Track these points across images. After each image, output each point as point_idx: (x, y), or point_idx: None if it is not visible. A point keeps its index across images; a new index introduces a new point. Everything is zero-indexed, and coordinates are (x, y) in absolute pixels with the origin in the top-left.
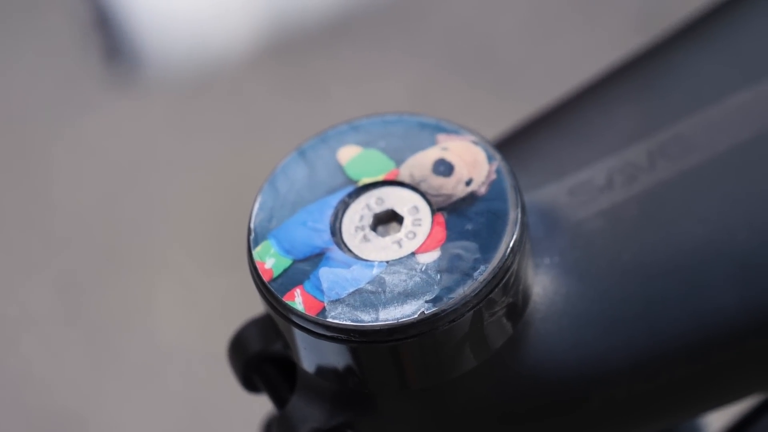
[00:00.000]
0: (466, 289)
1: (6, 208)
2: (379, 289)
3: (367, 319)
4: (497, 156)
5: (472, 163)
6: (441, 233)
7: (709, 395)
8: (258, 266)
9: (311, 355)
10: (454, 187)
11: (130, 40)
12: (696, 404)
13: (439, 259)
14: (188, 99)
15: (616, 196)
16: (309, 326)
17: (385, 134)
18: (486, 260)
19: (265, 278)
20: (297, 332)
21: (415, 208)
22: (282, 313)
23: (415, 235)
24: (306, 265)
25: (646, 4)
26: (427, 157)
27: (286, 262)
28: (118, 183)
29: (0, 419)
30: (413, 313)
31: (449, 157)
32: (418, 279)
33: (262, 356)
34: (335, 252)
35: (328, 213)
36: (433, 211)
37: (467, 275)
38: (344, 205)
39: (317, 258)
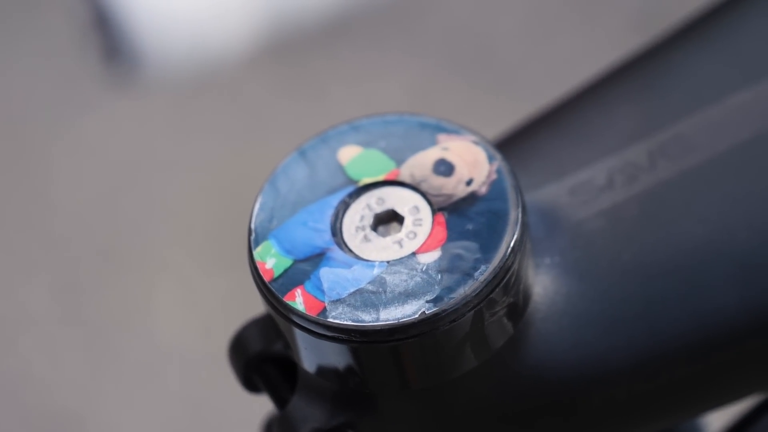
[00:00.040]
0: (466, 289)
1: (5, 207)
2: (380, 289)
3: (367, 319)
4: (498, 156)
5: (472, 163)
6: (442, 233)
7: (709, 395)
8: (259, 266)
9: (312, 355)
10: (454, 187)
11: (130, 40)
12: (696, 404)
13: (440, 259)
14: (187, 99)
15: (617, 195)
16: (310, 326)
17: (386, 134)
18: (487, 260)
19: (266, 278)
20: (298, 332)
21: (416, 208)
22: (283, 314)
23: (415, 235)
24: (307, 265)
25: (644, 4)
26: (427, 157)
27: (287, 262)
28: (117, 183)
29: None
30: (414, 313)
31: (450, 157)
32: (418, 279)
33: (262, 356)
34: (336, 252)
35: (329, 213)
36: (434, 211)
37: (468, 275)
38: (345, 205)
39: (318, 258)
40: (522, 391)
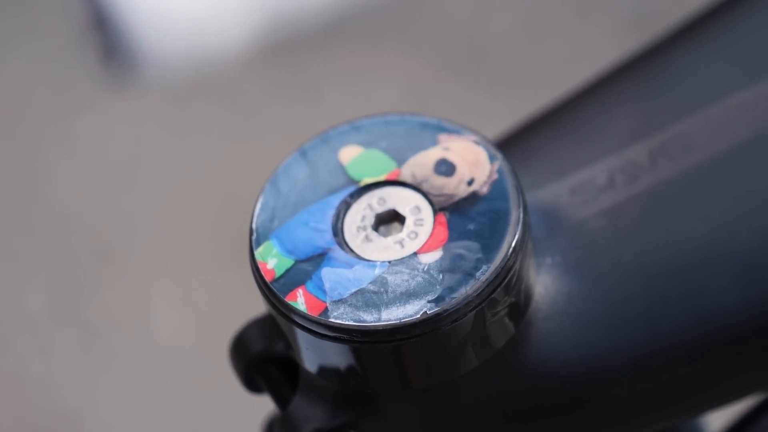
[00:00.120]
0: (468, 289)
1: (2, 208)
2: (382, 289)
3: (369, 319)
4: (499, 156)
5: (473, 163)
6: (443, 233)
7: (710, 395)
8: (260, 266)
9: (313, 355)
10: (455, 186)
11: (127, 40)
12: (697, 404)
13: (441, 259)
14: (184, 99)
15: (618, 195)
16: (311, 326)
17: (387, 134)
18: (488, 260)
19: (268, 278)
20: (299, 332)
21: (417, 208)
22: (284, 314)
23: (417, 235)
24: (308, 266)
25: (639, 3)
26: (428, 157)
27: (288, 262)
28: (113, 183)
29: None
30: (416, 313)
31: (451, 157)
32: (420, 279)
33: (264, 356)
34: (337, 252)
35: (330, 213)
36: (435, 211)
37: (469, 275)
38: (346, 206)
39: (319, 258)
40: (523, 390)
